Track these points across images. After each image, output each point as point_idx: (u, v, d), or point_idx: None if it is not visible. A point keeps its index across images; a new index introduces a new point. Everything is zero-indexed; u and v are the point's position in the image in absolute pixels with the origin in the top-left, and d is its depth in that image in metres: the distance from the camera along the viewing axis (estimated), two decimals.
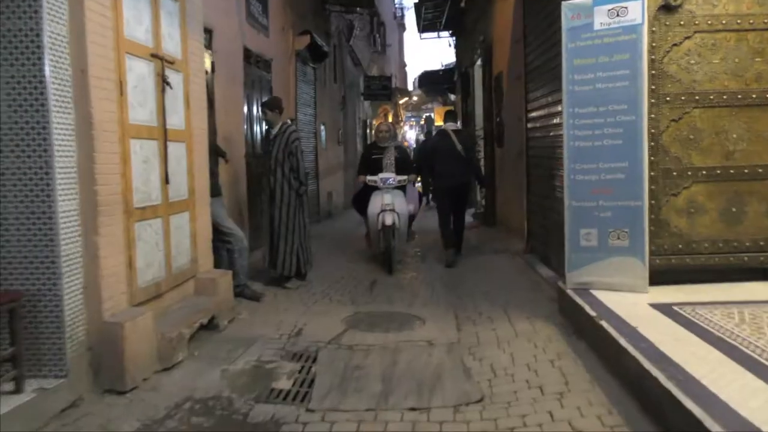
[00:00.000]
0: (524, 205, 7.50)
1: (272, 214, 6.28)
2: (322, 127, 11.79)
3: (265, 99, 7.08)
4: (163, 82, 4.19)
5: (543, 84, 6.40)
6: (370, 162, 7.64)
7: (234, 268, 5.63)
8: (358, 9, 12.80)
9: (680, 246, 4.37)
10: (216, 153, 5.81)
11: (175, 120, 4.44)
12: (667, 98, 4.33)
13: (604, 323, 3.53)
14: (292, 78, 9.64)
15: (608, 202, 4.26)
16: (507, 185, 9.27)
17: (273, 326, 4.94)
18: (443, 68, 19.26)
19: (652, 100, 4.29)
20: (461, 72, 15.24)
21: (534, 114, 6.95)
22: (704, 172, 4.35)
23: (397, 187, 7.33)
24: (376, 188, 7.31)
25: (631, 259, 4.20)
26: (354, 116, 16.20)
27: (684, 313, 3.63)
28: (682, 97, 4.33)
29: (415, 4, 14.15)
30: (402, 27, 42.07)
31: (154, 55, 4.09)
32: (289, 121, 6.94)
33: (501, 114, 9.61)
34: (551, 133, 6.06)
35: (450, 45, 16.44)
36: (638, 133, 4.15)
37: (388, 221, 6.93)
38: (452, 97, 19.88)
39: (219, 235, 5.54)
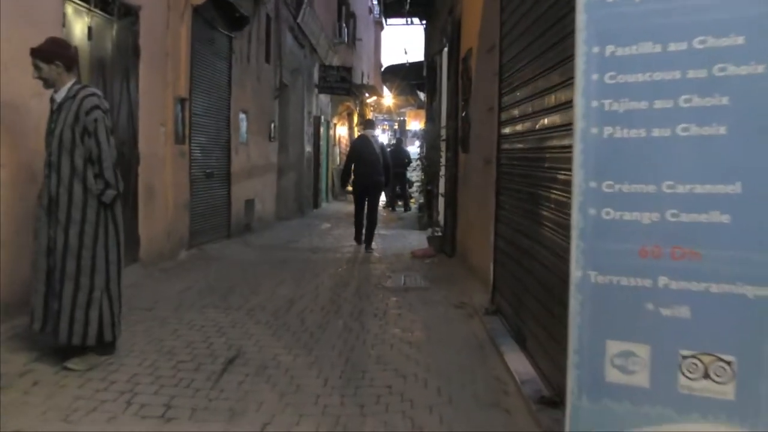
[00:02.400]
0: (491, 239, 4.95)
1: (50, 239, 3.61)
2: (242, 116, 9.13)
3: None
4: None
5: (528, 45, 3.86)
6: None
7: None
8: None
9: None
10: None
11: None
12: None
13: None
14: (184, 42, 6.97)
15: (685, 281, 1.69)
16: (471, 204, 6.72)
17: None
18: (409, 63, 16.73)
19: None
20: (429, 64, 12.73)
21: (511, 97, 4.41)
22: None
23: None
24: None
25: None
26: (301, 110, 13.55)
27: None
28: None
29: None
30: (380, 26, 39.77)
31: None
32: (98, 88, 4.31)
33: (468, 107, 7.07)
34: (543, 121, 3.50)
35: (409, 22, 13.94)
36: None
37: None
38: (422, 95, 17.36)
39: None
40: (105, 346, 3.74)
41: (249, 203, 9.51)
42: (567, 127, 2.98)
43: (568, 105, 2.95)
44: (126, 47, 5.75)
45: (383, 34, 41.41)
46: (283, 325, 4.67)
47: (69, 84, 3.61)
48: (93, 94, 3.62)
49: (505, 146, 4.62)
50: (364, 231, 8.71)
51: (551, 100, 3.28)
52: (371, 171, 8.55)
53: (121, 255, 3.79)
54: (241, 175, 9.10)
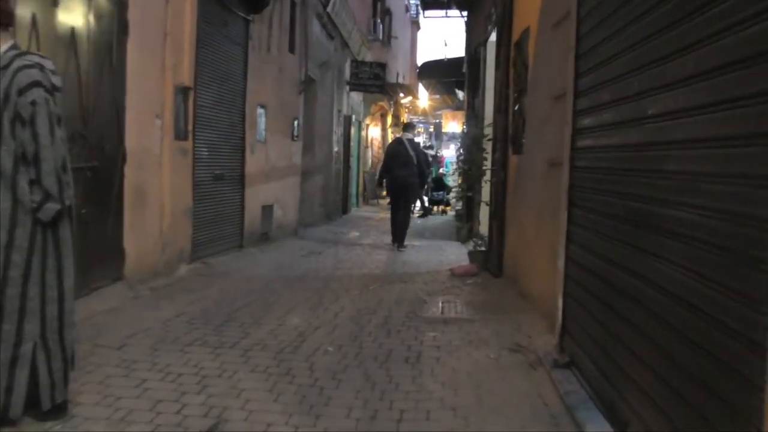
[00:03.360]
0: (560, 264, 3.77)
1: None
2: (260, 111, 8.12)
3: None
4: None
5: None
6: None
7: None
8: None
9: None
10: None
11: None
12: None
13: None
14: (188, 21, 5.98)
15: None
16: (527, 216, 5.55)
17: None
18: (448, 59, 15.56)
19: None
20: (470, 57, 11.55)
21: (596, 77, 3.23)
22: None
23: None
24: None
25: None
26: (330, 108, 12.52)
27: None
28: None
29: None
30: (416, 25, 38.78)
31: None
32: (39, 55, 3.29)
33: (522, 99, 5.90)
34: (665, 102, 2.31)
35: (448, 14, 12.80)
36: None
37: None
38: (460, 94, 16.18)
39: None
40: (52, 411, 2.71)
41: (266, 209, 8.49)
42: (726, 106, 1.81)
43: (732, 68, 1.79)
44: (110, 20, 4.75)
45: (420, 34, 40.36)
46: (285, 373, 3.58)
47: (3, 48, 2.57)
48: (33, 66, 2.56)
49: (585, 143, 3.44)
50: (395, 230, 9.08)
51: (685, 68, 2.10)
52: (405, 173, 8.94)
53: (65, 291, 2.72)
54: (257, 177, 8.08)
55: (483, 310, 5.23)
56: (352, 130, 15.56)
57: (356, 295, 5.78)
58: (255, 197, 8.02)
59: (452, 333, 4.54)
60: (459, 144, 14.55)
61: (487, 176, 7.40)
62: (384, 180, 9.66)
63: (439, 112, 29.42)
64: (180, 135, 5.95)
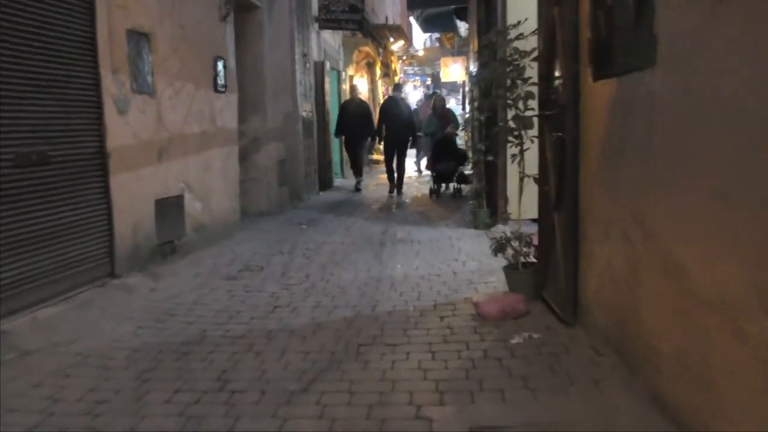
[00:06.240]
0: None
1: None
2: (139, 42, 4.79)
3: None
4: None
5: None
6: None
7: None
8: None
9: None
10: None
11: None
12: None
13: None
14: None
15: None
16: (683, 224, 2.29)
17: None
18: None
19: None
20: None
21: None
22: None
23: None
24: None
25: None
26: (289, 49, 9.13)
27: None
28: None
29: None
30: None
31: None
32: None
33: None
34: None
35: None
36: None
37: None
38: (463, 27, 12.71)
39: None
40: None
41: (167, 205, 5.24)
42: None
43: None
44: None
45: None
46: None
47: None
48: None
49: None
50: (395, 179, 10.58)
51: None
52: (399, 128, 10.47)
53: None
54: (141, 153, 4.81)
55: None
56: (328, 81, 12.13)
57: (281, 414, 2.58)
58: (139, 187, 4.78)
59: None
60: (470, 86, 11.04)
61: (534, 130, 4.09)
62: (381, 135, 10.98)
63: (437, 62, 25.78)
64: None
